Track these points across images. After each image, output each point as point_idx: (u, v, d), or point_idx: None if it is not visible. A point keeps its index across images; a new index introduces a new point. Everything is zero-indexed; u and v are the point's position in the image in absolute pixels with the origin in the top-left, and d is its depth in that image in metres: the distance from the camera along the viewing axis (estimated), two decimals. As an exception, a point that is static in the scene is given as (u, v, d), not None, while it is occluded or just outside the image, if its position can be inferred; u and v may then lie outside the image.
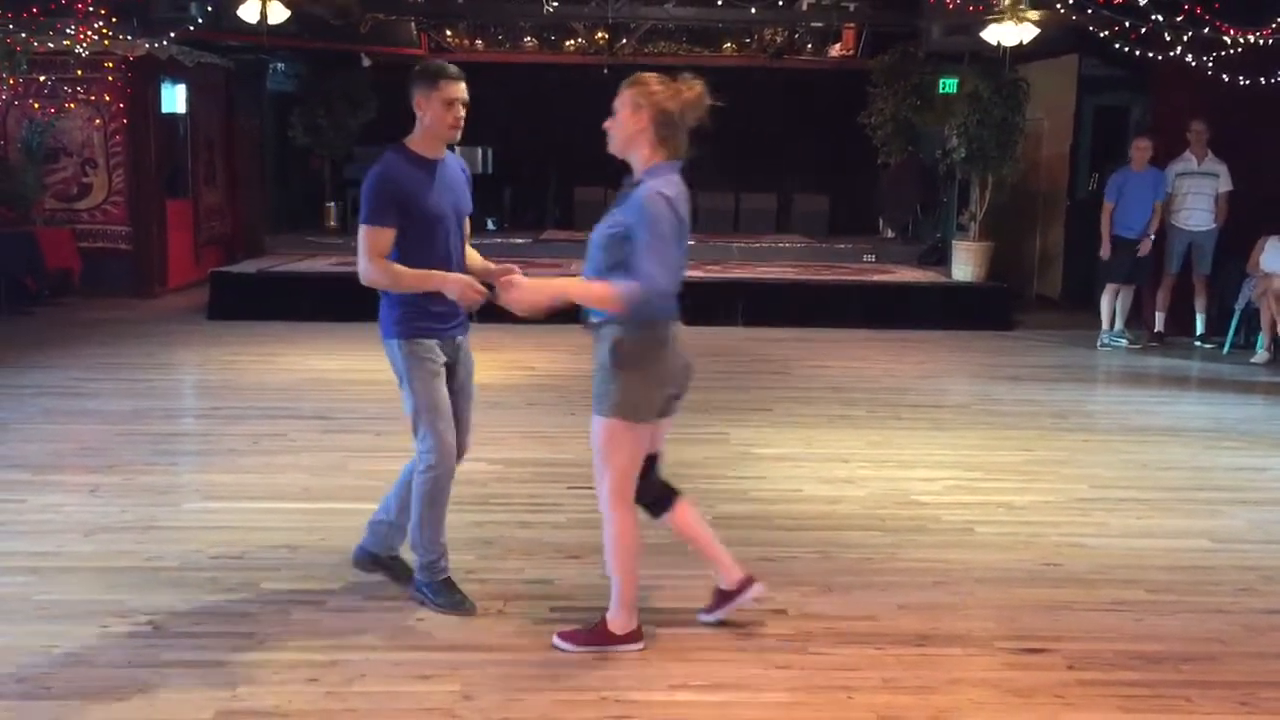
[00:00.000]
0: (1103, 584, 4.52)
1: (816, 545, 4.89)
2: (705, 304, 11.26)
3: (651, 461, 3.88)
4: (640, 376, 3.65)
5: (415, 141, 4.01)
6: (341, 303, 10.80)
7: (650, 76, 3.67)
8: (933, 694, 3.57)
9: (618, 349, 3.62)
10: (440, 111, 3.94)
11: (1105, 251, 10.16)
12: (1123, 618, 4.19)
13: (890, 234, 15.24)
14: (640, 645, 3.84)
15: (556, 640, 3.85)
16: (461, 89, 3.96)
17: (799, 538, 4.99)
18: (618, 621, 3.83)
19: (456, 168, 4.14)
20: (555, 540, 4.83)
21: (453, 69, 3.99)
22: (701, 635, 3.94)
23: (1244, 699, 3.57)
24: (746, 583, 4.01)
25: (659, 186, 3.62)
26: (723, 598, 4.04)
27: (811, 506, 5.46)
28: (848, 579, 4.52)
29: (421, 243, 3.96)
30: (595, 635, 3.83)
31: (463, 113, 3.98)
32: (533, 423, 7.01)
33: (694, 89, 3.67)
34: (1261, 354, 9.51)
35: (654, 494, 3.93)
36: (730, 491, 5.67)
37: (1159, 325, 10.47)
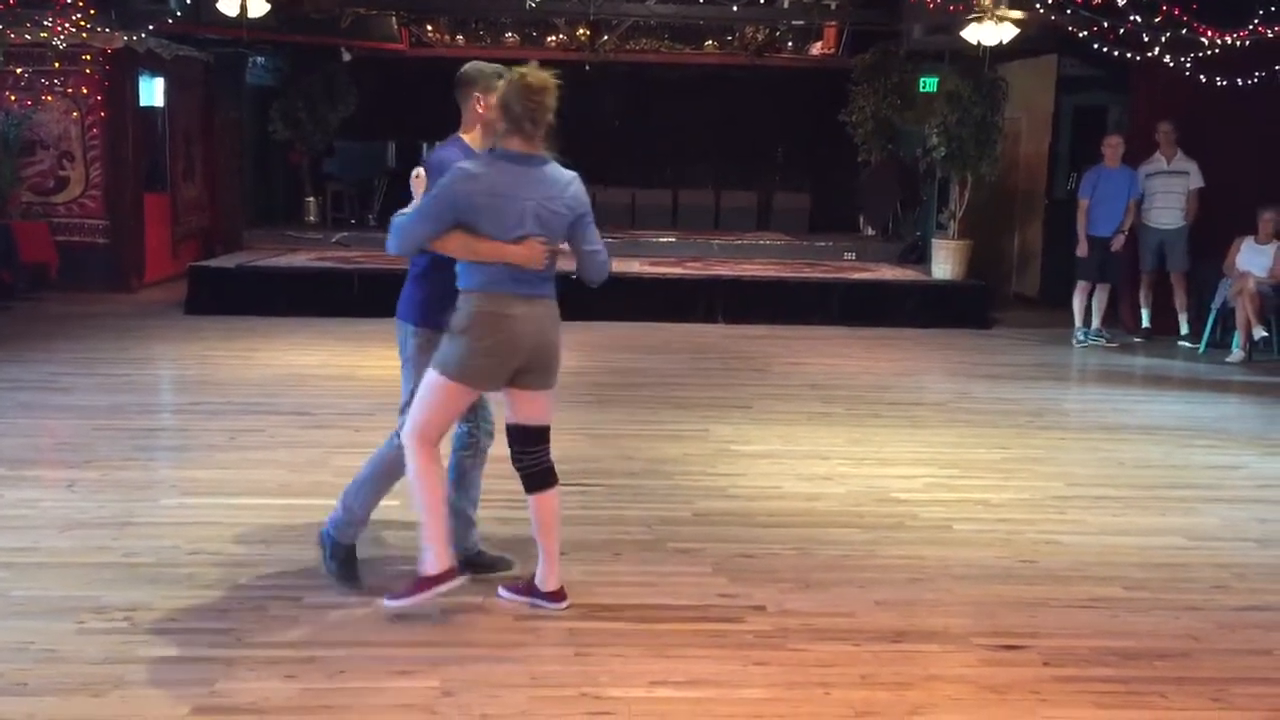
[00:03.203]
0: (1078, 581, 4.55)
1: (795, 542, 4.91)
2: (685, 301, 11.31)
3: (534, 433, 4.05)
4: (464, 342, 3.86)
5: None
6: (320, 298, 10.81)
7: None
8: (909, 690, 3.59)
9: (455, 314, 3.90)
10: None
11: (1083, 250, 10.23)
12: (1098, 614, 4.22)
13: (870, 232, 15.28)
14: (458, 581, 3.97)
15: (385, 602, 4.00)
16: None
17: (778, 534, 5.00)
18: (429, 563, 3.95)
19: None
20: (534, 536, 4.83)
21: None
22: (680, 632, 3.95)
23: (1217, 695, 3.61)
24: (558, 596, 4.11)
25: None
26: (530, 590, 4.15)
27: (790, 503, 5.48)
28: (826, 575, 4.54)
29: None
30: (416, 585, 3.96)
31: None
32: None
33: None
34: (1237, 353, 9.58)
35: (539, 468, 4.06)
36: (709, 488, 5.68)
37: (1146, 321, 10.58)
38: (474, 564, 4.39)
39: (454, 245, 3.88)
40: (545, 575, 4.11)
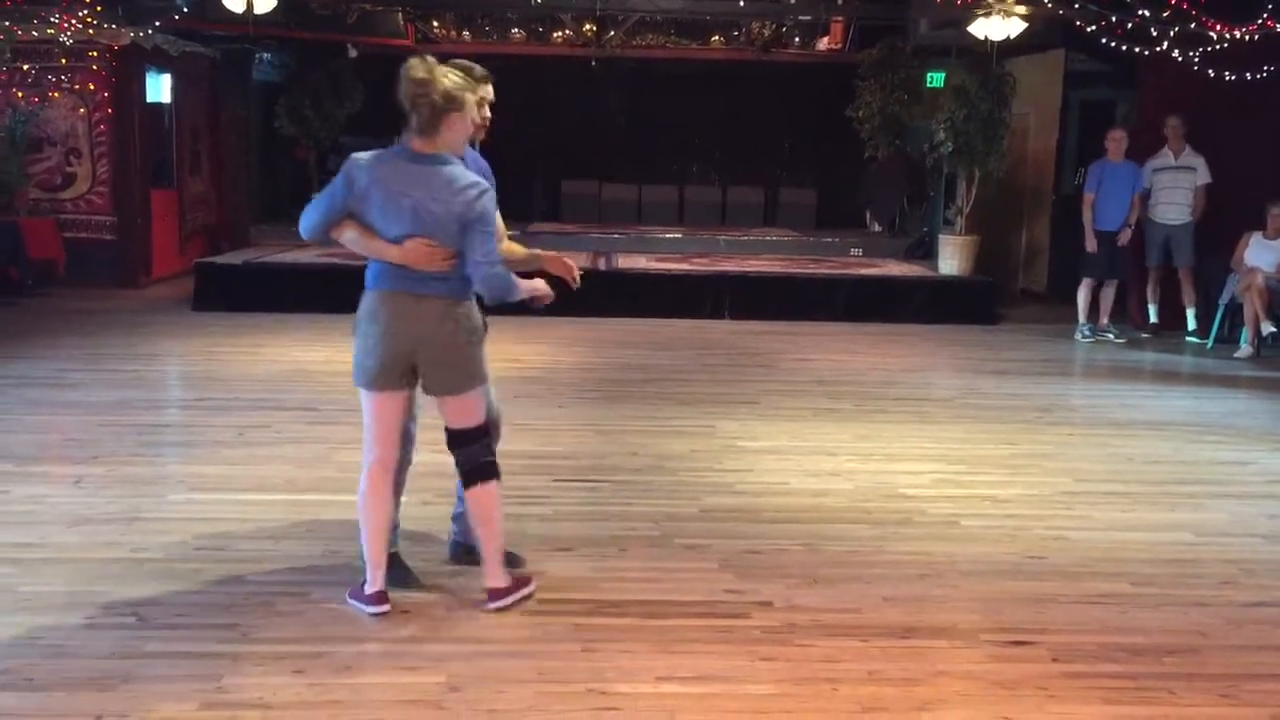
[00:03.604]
0: (1086, 577, 4.54)
1: (802, 538, 4.90)
2: (692, 297, 11.30)
3: (456, 436, 4.00)
4: (355, 342, 3.93)
5: None
6: (327, 294, 10.79)
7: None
8: (917, 686, 3.58)
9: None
10: None
11: (1091, 245, 10.21)
12: (1106, 610, 4.21)
13: (877, 228, 15.27)
14: (382, 608, 3.94)
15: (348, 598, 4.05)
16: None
17: (785, 530, 5.00)
18: (367, 581, 3.99)
19: None
20: (542, 532, 4.83)
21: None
22: (687, 628, 3.95)
23: (1225, 691, 3.59)
24: (495, 594, 4.03)
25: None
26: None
27: (797, 499, 5.47)
28: (833, 571, 4.53)
29: None
30: (361, 595, 4.00)
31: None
32: (520, 415, 6.98)
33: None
34: (1245, 349, 9.56)
35: (467, 466, 4.02)
36: (716, 484, 5.67)
37: (1154, 317, 10.55)
38: (477, 555, 4.38)
39: (347, 236, 3.89)
40: (486, 571, 4.09)
